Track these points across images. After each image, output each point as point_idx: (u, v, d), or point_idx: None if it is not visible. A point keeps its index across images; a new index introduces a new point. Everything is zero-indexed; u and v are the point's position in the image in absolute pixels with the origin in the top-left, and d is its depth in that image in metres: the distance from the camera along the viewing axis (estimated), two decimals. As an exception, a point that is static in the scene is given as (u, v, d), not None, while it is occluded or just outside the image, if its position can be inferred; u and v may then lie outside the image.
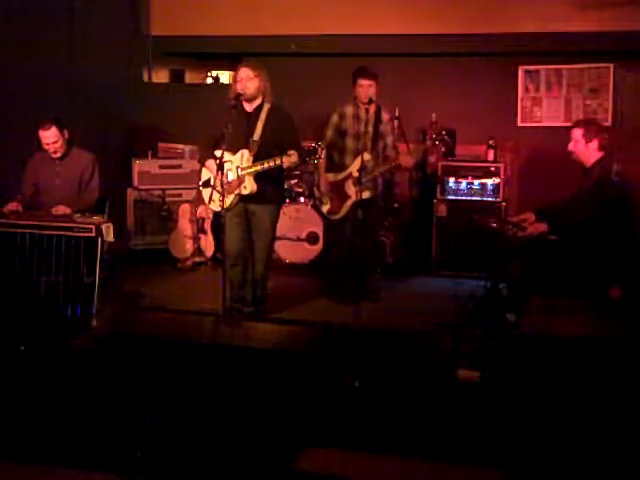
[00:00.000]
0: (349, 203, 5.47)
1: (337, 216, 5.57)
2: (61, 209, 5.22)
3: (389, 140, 5.55)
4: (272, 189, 4.99)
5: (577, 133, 4.65)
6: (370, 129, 5.45)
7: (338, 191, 5.53)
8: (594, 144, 4.60)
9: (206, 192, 5.02)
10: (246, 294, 5.12)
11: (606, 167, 4.60)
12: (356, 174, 5.35)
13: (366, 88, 5.39)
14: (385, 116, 5.54)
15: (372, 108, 5.48)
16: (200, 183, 5.13)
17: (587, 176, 4.66)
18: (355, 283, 5.35)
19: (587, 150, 4.62)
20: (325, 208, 5.63)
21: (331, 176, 5.57)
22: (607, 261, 4.44)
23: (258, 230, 5.03)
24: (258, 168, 4.78)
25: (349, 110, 5.53)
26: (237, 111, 4.85)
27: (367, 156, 5.35)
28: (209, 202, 4.89)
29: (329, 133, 5.56)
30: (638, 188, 4.71)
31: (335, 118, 5.55)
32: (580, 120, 5.15)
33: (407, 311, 5.45)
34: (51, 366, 4.22)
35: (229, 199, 4.87)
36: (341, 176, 5.53)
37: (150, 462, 3.23)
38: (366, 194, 5.38)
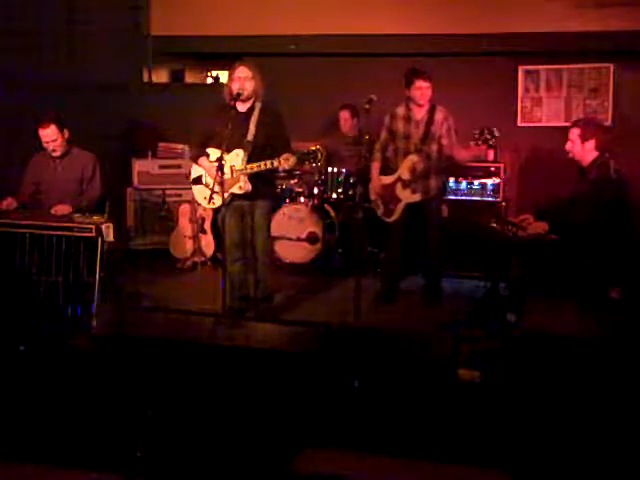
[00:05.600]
0: (401, 206, 5.40)
1: (390, 219, 5.48)
2: (60, 209, 5.20)
3: (444, 142, 5.32)
4: (265, 187, 5.01)
5: (574, 133, 4.64)
6: (420, 130, 5.33)
7: (390, 194, 5.44)
8: (590, 144, 4.59)
9: (196, 189, 5.08)
10: (251, 294, 5.15)
11: (603, 166, 4.59)
12: (405, 176, 5.33)
13: (424, 90, 5.28)
14: (438, 116, 5.32)
15: (425, 109, 5.35)
16: (190, 180, 5.16)
17: (585, 176, 4.65)
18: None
19: (583, 150, 4.61)
20: (379, 211, 5.53)
21: (384, 179, 5.47)
22: (607, 261, 4.44)
23: (253, 227, 5.04)
24: (255, 170, 4.78)
25: (400, 111, 5.42)
26: (231, 111, 4.83)
27: (415, 158, 5.29)
28: (209, 202, 4.87)
29: (383, 135, 5.49)
30: (637, 188, 4.71)
31: (387, 119, 5.46)
32: (578, 120, 5.14)
33: (407, 311, 5.45)
34: (51, 366, 4.22)
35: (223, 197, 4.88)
36: (391, 179, 5.44)
37: (150, 462, 3.23)
38: (416, 197, 5.35)
